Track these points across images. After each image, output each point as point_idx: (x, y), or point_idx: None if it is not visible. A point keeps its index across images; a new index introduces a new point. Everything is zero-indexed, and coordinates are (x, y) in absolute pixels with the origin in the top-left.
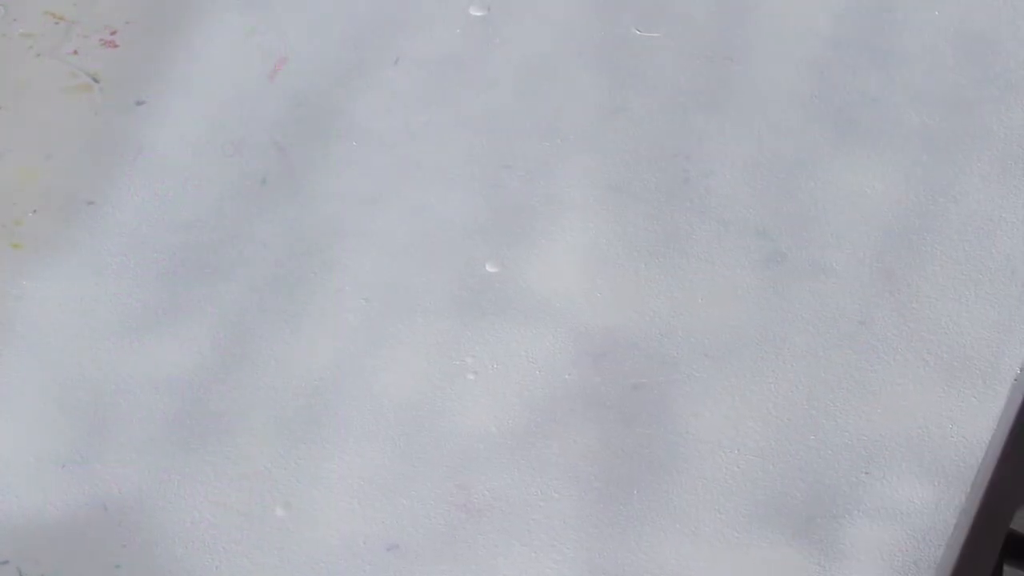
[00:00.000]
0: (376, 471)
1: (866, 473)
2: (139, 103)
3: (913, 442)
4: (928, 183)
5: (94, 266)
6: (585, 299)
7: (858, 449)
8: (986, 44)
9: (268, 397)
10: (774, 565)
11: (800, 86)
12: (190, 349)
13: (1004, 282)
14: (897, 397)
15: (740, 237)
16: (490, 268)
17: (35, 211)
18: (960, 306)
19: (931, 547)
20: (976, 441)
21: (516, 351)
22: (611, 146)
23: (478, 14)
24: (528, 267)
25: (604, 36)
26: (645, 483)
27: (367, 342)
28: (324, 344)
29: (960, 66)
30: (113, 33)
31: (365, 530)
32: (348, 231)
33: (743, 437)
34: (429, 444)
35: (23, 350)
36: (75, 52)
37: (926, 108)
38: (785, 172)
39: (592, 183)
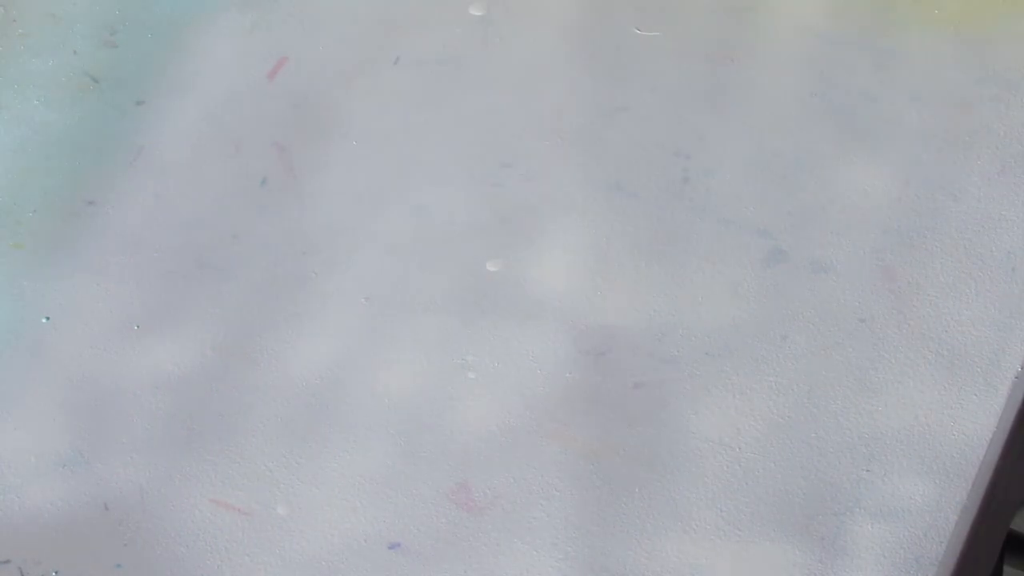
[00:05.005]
0: (377, 470)
1: (867, 471)
2: (139, 103)
3: (914, 439)
4: (928, 181)
5: (94, 266)
6: (585, 298)
7: (859, 447)
8: (986, 42)
9: (269, 397)
10: (775, 563)
11: (800, 85)
12: (190, 349)
13: (1005, 280)
14: (898, 395)
15: (740, 236)
16: (490, 267)
17: (35, 211)
18: (960, 304)
19: (932, 544)
20: (977, 438)
21: (516, 350)
22: (611, 146)
23: (478, 14)
24: (528, 266)
25: (604, 36)
26: (646, 482)
27: (367, 342)
28: (324, 344)
29: (960, 65)
30: (113, 33)
31: (366, 529)
32: (348, 231)
33: (743, 435)
34: (430, 443)
35: (23, 350)
36: (75, 52)
37: (926, 107)
38: (785, 171)
39: (592, 183)
